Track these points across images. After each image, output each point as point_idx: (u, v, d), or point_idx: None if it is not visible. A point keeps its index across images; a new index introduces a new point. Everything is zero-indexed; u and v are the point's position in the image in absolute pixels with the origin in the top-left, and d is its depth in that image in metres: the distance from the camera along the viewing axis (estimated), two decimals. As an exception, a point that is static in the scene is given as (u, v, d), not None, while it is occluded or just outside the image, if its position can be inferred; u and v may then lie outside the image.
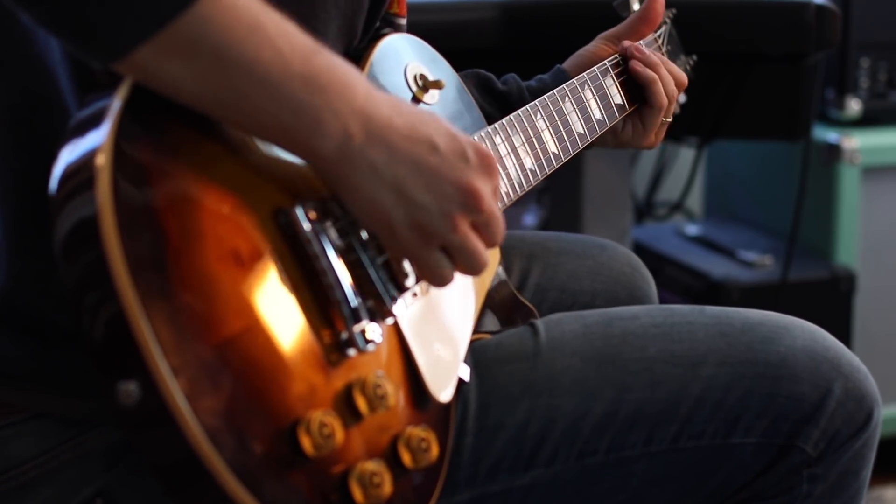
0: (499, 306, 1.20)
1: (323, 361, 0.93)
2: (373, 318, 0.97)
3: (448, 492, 1.07)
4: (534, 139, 1.23)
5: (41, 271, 0.98)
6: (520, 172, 1.21)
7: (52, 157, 0.87)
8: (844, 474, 1.16)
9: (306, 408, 0.90)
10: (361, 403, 0.94)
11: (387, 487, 0.94)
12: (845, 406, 1.15)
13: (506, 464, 1.11)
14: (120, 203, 0.83)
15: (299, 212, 0.95)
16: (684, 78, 1.39)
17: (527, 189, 1.23)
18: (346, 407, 0.94)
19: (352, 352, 0.95)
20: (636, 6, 1.43)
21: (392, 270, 1.01)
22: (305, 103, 0.90)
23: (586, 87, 1.31)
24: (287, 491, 0.87)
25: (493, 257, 1.20)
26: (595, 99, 1.31)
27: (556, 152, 1.26)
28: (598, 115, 1.31)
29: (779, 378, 1.14)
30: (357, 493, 0.92)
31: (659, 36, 1.44)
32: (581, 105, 1.29)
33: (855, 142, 2.43)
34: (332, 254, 0.95)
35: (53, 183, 0.86)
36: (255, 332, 0.88)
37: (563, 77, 1.35)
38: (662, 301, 1.48)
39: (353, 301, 0.95)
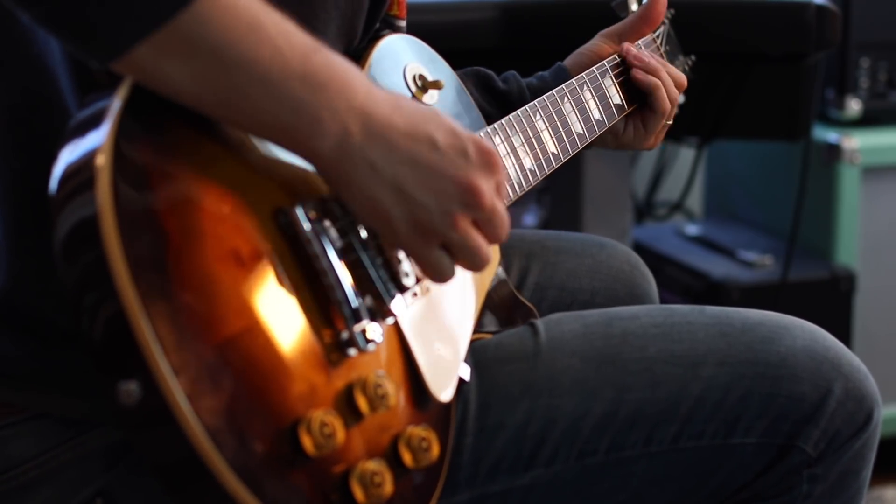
0: (498, 306, 1.20)
1: (324, 361, 0.93)
2: (373, 318, 0.97)
3: (448, 492, 1.07)
4: (533, 139, 1.23)
5: (41, 271, 0.98)
6: (519, 173, 1.21)
7: (51, 158, 0.87)
8: (844, 474, 1.16)
9: (307, 407, 0.90)
10: (362, 403, 0.94)
11: (388, 487, 0.94)
12: (845, 406, 1.15)
13: (506, 464, 1.11)
14: (120, 203, 0.83)
15: (299, 212, 0.95)
16: (684, 79, 1.39)
17: (526, 189, 1.23)
18: (346, 406, 0.94)
19: (352, 351, 0.95)
20: (634, 7, 1.44)
21: (392, 270, 1.01)
22: (304, 102, 0.90)
23: (585, 87, 1.31)
24: (288, 490, 0.87)
25: (493, 256, 1.20)
26: (594, 99, 1.31)
27: (556, 152, 1.26)
28: (597, 115, 1.32)
29: (779, 378, 1.14)
30: (358, 493, 0.92)
31: (658, 36, 1.44)
32: (580, 105, 1.30)
33: (855, 142, 2.43)
34: (332, 254, 0.95)
35: (53, 183, 0.86)
36: (255, 331, 0.88)
37: (564, 75, 1.35)
38: (662, 301, 1.48)
39: (354, 301, 0.95)
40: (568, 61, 1.38)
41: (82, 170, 0.85)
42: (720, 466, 1.15)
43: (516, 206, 1.16)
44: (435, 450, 1.00)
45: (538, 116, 1.25)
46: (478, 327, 1.16)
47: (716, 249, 2.56)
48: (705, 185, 2.88)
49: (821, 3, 1.96)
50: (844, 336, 2.40)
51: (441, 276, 0.97)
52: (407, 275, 1.02)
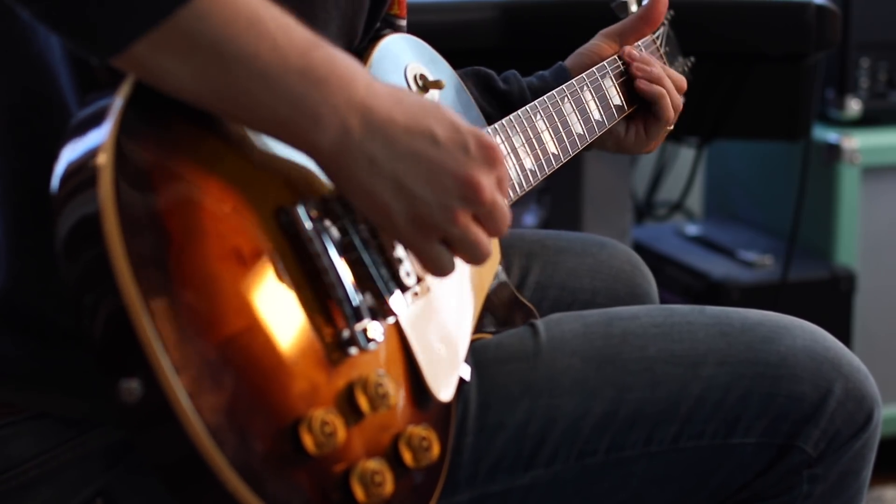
0: (499, 306, 1.20)
1: (324, 360, 0.93)
2: (374, 317, 0.97)
3: (448, 491, 1.07)
4: (533, 140, 1.24)
5: (41, 271, 0.98)
6: (519, 173, 1.21)
7: (52, 157, 0.87)
8: (844, 474, 1.16)
9: (308, 406, 0.90)
10: (363, 402, 0.94)
11: (388, 486, 0.94)
12: (845, 406, 1.15)
13: (506, 463, 1.11)
14: (121, 201, 0.83)
15: (301, 210, 0.95)
16: (684, 83, 1.39)
17: (527, 189, 1.23)
18: (347, 405, 0.94)
19: (353, 350, 0.95)
20: (634, 7, 1.44)
21: (393, 269, 1.01)
22: (304, 96, 0.90)
23: (585, 88, 1.31)
24: (289, 489, 0.87)
25: (493, 255, 1.20)
26: (594, 100, 1.32)
27: (556, 153, 1.26)
28: (597, 116, 1.32)
29: (779, 378, 1.14)
30: (359, 492, 0.92)
31: (657, 37, 1.44)
32: (580, 106, 1.30)
33: (855, 142, 2.43)
34: (333, 252, 0.95)
35: (55, 181, 0.86)
36: (256, 330, 0.89)
37: (565, 74, 1.35)
38: (662, 301, 1.48)
39: (355, 300, 0.95)
40: (568, 61, 1.38)
41: (84, 168, 0.85)
42: (720, 466, 1.15)
43: (516, 206, 1.16)
44: (435, 449, 1.00)
45: (538, 117, 1.25)
46: (478, 327, 1.16)
47: (716, 249, 2.56)
48: (705, 185, 2.88)
49: (821, 3, 1.96)
50: (844, 336, 2.40)
51: (441, 270, 0.98)
52: (408, 274, 1.02)
